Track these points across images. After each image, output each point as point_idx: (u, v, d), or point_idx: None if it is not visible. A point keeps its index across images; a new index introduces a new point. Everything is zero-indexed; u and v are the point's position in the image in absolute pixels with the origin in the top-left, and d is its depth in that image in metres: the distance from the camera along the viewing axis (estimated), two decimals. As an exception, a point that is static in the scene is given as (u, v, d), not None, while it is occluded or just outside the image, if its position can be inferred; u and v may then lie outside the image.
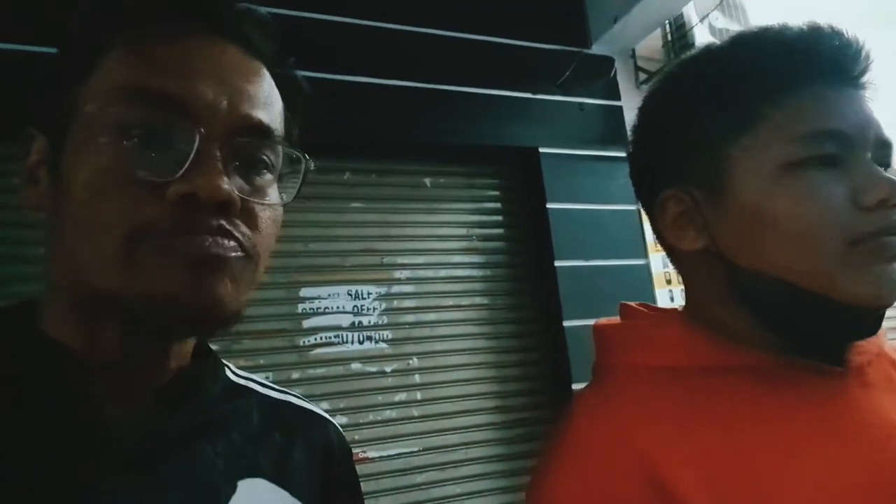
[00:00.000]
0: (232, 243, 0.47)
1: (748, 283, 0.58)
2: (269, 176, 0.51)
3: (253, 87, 0.50)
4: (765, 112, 0.57)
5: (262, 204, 0.50)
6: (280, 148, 0.52)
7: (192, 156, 0.45)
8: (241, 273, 0.48)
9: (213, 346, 0.61)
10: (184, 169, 0.45)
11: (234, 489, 0.52)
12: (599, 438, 0.54)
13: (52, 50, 0.52)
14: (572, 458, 0.55)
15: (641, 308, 0.68)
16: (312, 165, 0.53)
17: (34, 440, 0.45)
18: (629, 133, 0.70)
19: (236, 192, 0.46)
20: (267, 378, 0.68)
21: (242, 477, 0.53)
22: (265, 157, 0.51)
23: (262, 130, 0.50)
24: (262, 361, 2.08)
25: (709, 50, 0.63)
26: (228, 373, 0.62)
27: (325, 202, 2.26)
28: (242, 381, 0.63)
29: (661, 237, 0.66)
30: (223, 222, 0.46)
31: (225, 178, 0.45)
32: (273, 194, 0.52)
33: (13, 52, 1.80)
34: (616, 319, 0.69)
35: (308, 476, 0.58)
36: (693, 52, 0.65)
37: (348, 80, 2.27)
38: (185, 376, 0.54)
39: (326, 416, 0.67)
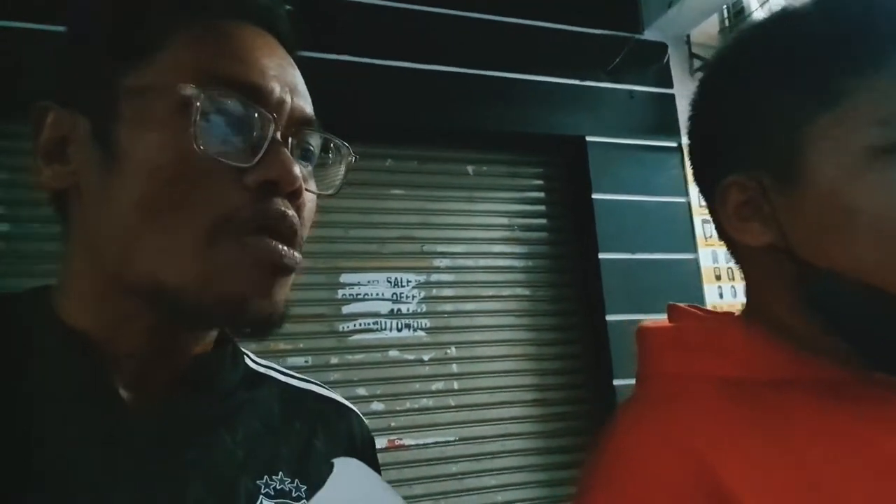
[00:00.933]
0: (297, 256, 0.48)
1: (823, 285, 0.50)
2: (309, 167, 0.53)
3: (299, 82, 0.52)
4: (850, 86, 0.50)
5: (311, 193, 0.51)
6: (318, 141, 0.53)
7: (266, 143, 0.46)
8: (291, 280, 0.49)
9: None
10: (259, 156, 0.45)
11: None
12: (652, 456, 0.49)
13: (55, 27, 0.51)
14: (621, 478, 0.49)
15: (693, 310, 0.61)
16: (354, 158, 0.54)
17: (49, 430, 0.44)
18: (689, 109, 0.64)
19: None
20: (306, 361, 0.67)
21: (262, 470, 0.52)
22: (312, 149, 0.52)
23: (312, 123, 0.51)
24: (301, 345, 2.09)
25: (784, 12, 0.55)
26: (248, 361, 0.60)
27: (366, 188, 2.25)
28: (262, 370, 0.61)
29: (721, 230, 0.59)
30: (293, 212, 0.47)
31: (297, 167, 0.47)
32: (313, 185, 0.52)
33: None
34: (664, 321, 0.62)
35: (329, 465, 0.56)
36: (768, 14, 0.57)
37: (392, 64, 2.25)
38: (203, 363, 0.52)
39: (348, 404, 0.65)
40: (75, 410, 0.45)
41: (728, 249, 0.62)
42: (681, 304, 0.63)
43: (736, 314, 0.60)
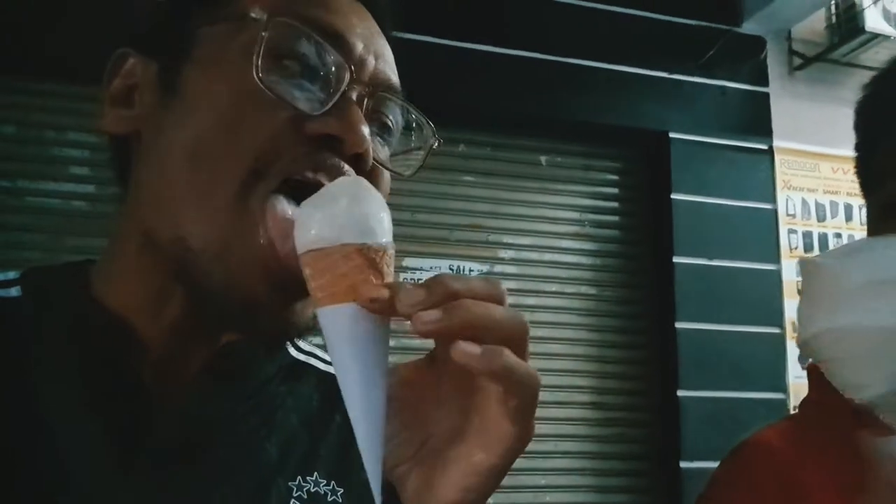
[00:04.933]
0: None
1: None
2: (387, 149, 0.50)
3: (388, 53, 0.49)
4: None
5: (387, 169, 0.48)
6: (400, 120, 0.50)
7: (338, 95, 0.43)
8: None
9: None
10: (328, 106, 0.42)
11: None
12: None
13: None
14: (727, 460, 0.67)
15: None
16: (438, 142, 0.51)
17: (67, 419, 0.42)
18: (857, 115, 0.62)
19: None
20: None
21: (296, 470, 0.48)
22: (391, 124, 0.49)
23: (395, 91, 0.48)
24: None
25: None
26: (290, 348, 0.56)
27: (436, 173, 2.23)
28: (303, 357, 0.57)
29: None
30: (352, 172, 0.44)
31: (367, 129, 0.43)
32: (388, 163, 0.49)
33: None
34: None
35: None
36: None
37: (469, 47, 2.20)
38: (234, 352, 0.49)
39: None
40: (97, 398, 0.43)
41: None
42: None
43: None
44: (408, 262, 2.18)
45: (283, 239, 0.40)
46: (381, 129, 0.48)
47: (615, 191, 2.40)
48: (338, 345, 0.36)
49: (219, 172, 0.42)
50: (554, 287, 2.27)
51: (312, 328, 0.45)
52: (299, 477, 0.48)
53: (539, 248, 2.28)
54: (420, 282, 0.34)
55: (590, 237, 2.33)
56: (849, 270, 0.54)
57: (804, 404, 0.68)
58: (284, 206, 0.41)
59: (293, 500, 0.47)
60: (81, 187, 1.96)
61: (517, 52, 2.25)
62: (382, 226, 0.37)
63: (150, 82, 0.46)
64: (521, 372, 0.35)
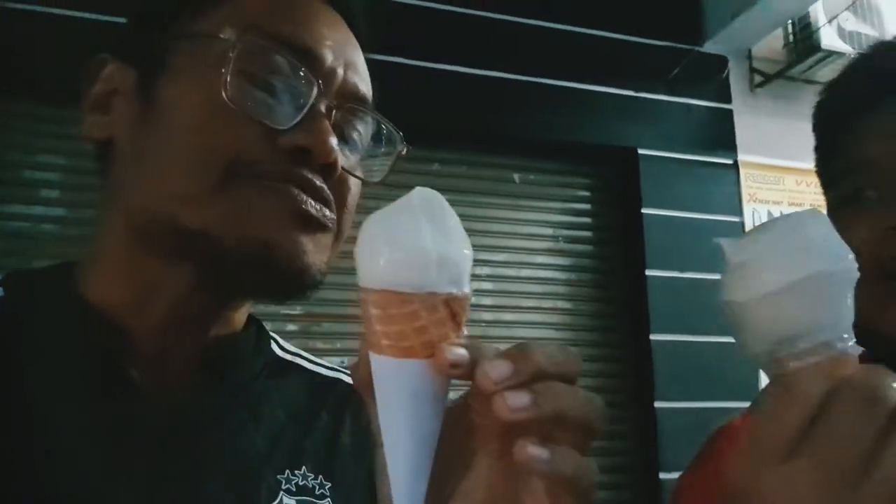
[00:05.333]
0: (328, 213, 0.46)
1: None
2: (356, 156, 0.51)
3: (359, 62, 0.50)
4: None
5: (354, 177, 0.49)
6: (368, 129, 0.51)
7: (305, 110, 0.44)
8: (327, 246, 0.47)
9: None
10: (296, 121, 0.44)
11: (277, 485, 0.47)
12: None
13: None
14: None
15: None
16: (405, 149, 0.52)
17: (55, 415, 0.42)
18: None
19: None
20: (342, 362, 0.64)
21: (284, 464, 0.49)
22: (357, 134, 0.50)
23: (365, 104, 0.49)
24: (338, 345, 2.08)
25: None
26: (275, 347, 0.57)
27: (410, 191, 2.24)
28: (289, 357, 0.58)
29: None
30: (324, 186, 0.45)
31: (335, 140, 0.44)
32: (359, 171, 0.50)
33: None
34: None
35: (357, 459, 0.53)
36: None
37: (443, 68, 2.23)
38: (223, 346, 0.49)
39: None
40: (84, 394, 0.43)
41: None
42: None
43: None
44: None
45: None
46: (350, 139, 0.50)
47: (587, 206, 2.43)
48: (396, 399, 0.31)
49: (198, 173, 0.43)
50: (531, 303, 2.28)
51: (323, 279, 0.46)
52: (287, 470, 0.48)
53: (515, 265, 2.30)
54: (500, 350, 0.32)
55: (564, 252, 2.36)
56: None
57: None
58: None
59: (282, 493, 0.47)
60: (52, 210, 1.92)
61: (490, 72, 2.28)
62: (468, 267, 0.31)
63: (128, 91, 0.48)
64: (588, 476, 0.31)
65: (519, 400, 0.29)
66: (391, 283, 0.30)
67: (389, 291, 0.30)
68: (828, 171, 0.66)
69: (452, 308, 0.30)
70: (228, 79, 0.42)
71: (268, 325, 0.60)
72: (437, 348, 0.30)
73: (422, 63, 2.21)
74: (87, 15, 1.86)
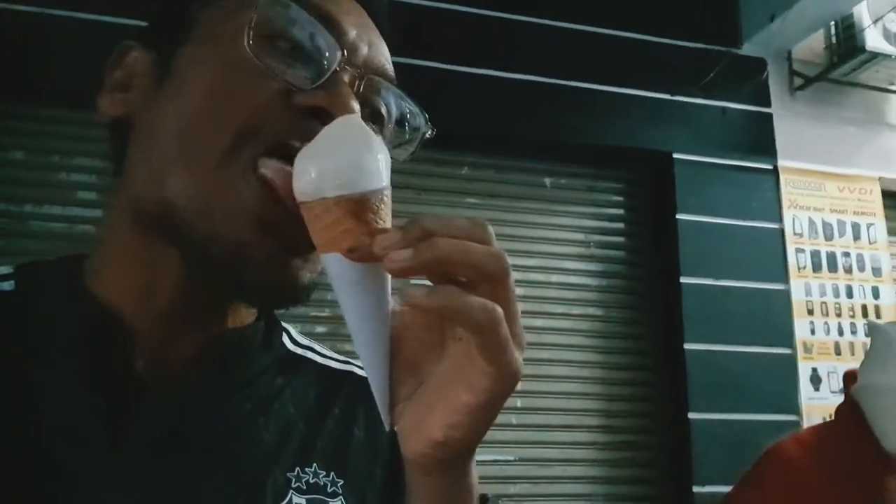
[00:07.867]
0: None
1: None
2: (379, 136, 0.48)
3: (384, 47, 0.49)
4: None
5: None
6: (392, 111, 0.49)
7: (328, 74, 0.42)
8: None
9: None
10: (317, 84, 0.42)
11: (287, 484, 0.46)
12: None
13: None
14: None
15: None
16: (432, 131, 0.50)
17: (57, 408, 0.42)
18: None
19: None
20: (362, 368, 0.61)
21: (294, 462, 0.47)
22: (384, 111, 0.48)
23: (388, 77, 0.48)
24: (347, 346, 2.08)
25: None
26: (286, 340, 0.56)
27: (440, 195, 2.23)
28: (300, 351, 0.56)
29: None
30: None
31: (357, 104, 0.42)
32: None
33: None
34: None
35: (370, 453, 0.52)
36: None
37: (473, 71, 2.22)
38: (229, 340, 0.48)
39: None
40: (88, 386, 0.43)
41: None
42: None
43: None
44: (414, 280, 2.17)
45: (285, 189, 0.40)
46: (374, 116, 0.48)
47: (620, 212, 2.39)
48: (336, 289, 0.37)
49: (205, 138, 0.42)
50: (561, 309, 2.25)
51: (312, 289, 0.45)
52: (297, 468, 0.47)
53: (545, 270, 2.27)
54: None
55: (595, 258, 2.32)
56: None
57: (839, 412, 0.81)
58: (276, 163, 0.41)
59: (292, 491, 0.46)
60: (88, 211, 1.97)
61: (521, 76, 2.26)
62: (362, 173, 0.35)
63: (147, 67, 0.47)
64: (476, 308, 0.33)
65: (399, 254, 0.33)
66: (299, 196, 0.36)
67: (301, 202, 0.36)
68: None
69: (347, 208, 0.35)
70: (251, 36, 0.41)
71: (296, 327, 0.58)
72: (337, 240, 0.35)
73: (451, 66, 2.20)
74: (125, 21, 1.90)
